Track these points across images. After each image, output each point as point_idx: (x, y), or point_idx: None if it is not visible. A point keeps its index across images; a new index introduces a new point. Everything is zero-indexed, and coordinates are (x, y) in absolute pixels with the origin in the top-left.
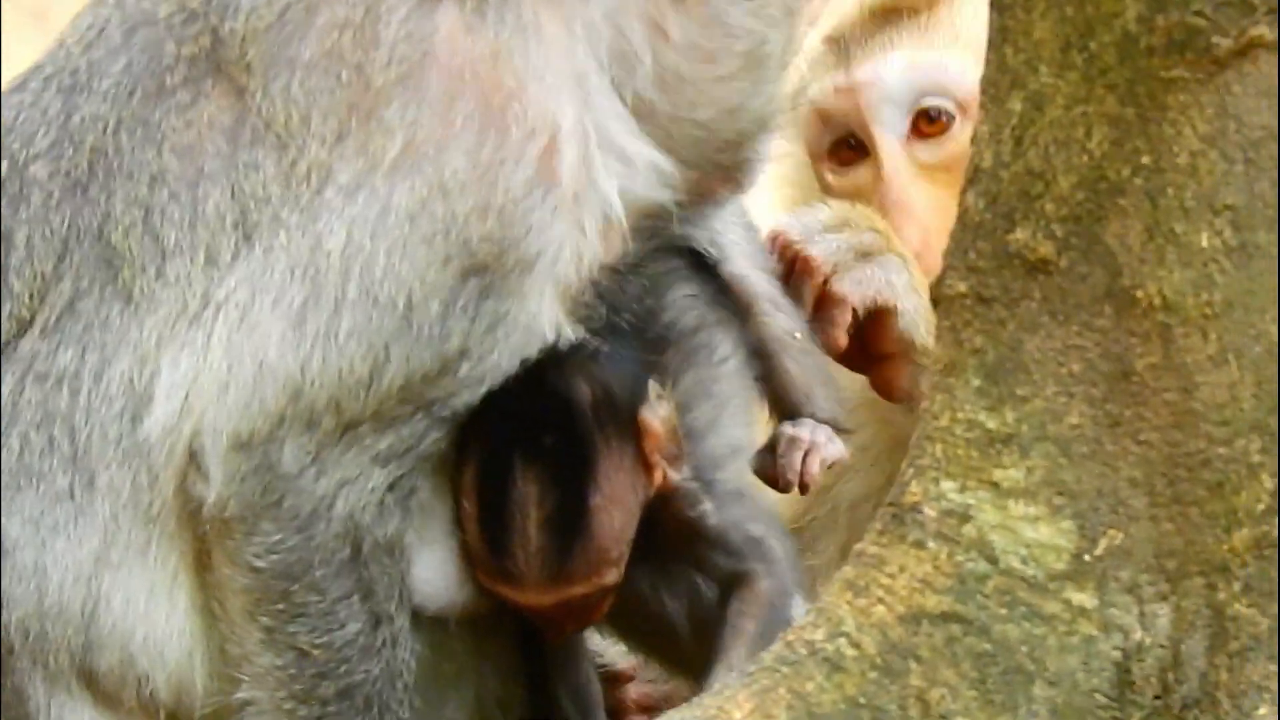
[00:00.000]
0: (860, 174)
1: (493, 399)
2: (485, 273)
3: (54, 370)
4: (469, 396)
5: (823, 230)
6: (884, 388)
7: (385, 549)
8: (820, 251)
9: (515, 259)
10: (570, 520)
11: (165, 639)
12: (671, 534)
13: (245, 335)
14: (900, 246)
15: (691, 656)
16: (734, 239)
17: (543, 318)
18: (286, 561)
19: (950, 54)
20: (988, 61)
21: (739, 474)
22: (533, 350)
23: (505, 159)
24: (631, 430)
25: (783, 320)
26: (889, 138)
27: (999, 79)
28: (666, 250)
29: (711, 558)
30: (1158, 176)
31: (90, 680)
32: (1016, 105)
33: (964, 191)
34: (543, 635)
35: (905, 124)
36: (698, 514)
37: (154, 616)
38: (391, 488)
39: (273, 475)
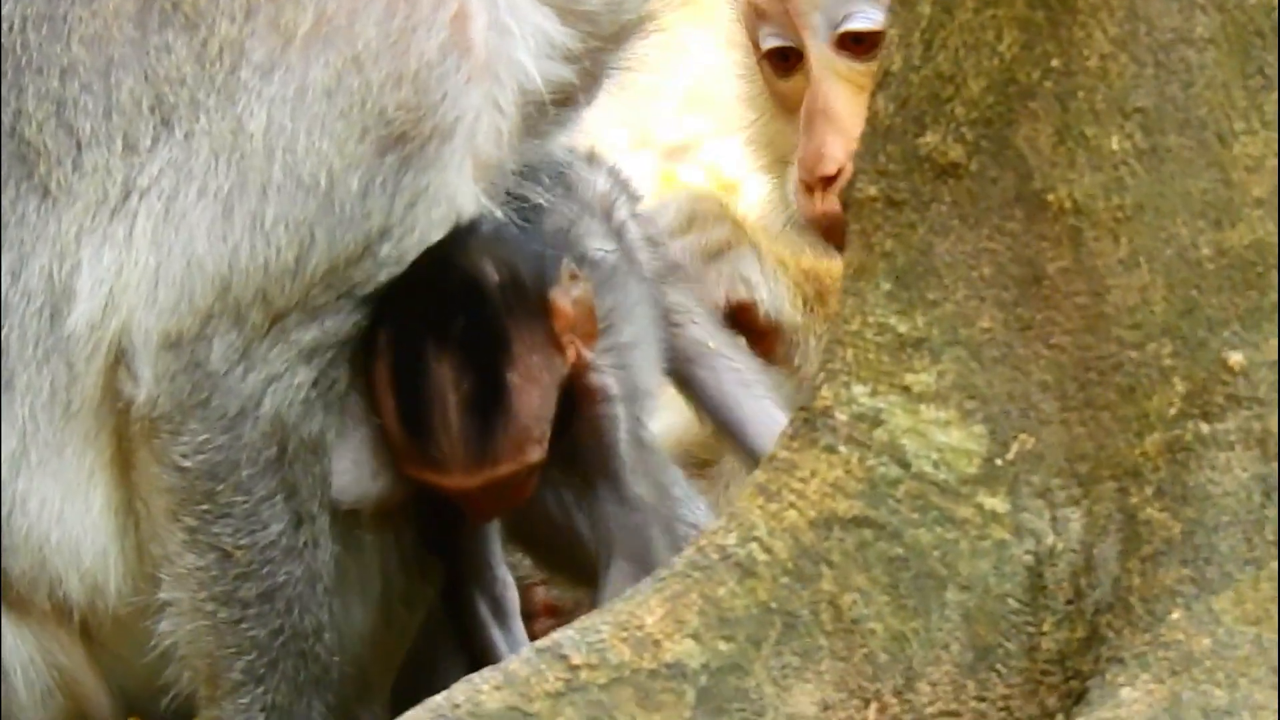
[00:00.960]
0: (795, 81)
1: (399, 285)
2: (403, 143)
3: None
4: (388, 278)
5: (670, 235)
6: (765, 360)
7: (310, 447)
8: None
9: (432, 126)
10: (489, 401)
11: (80, 539)
12: (581, 440)
13: (172, 227)
14: (751, 231)
15: (597, 567)
16: (633, 234)
17: (462, 191)
18: (213, 461)
19: None
20: None
21: (647, 416)
22: (454, 221)
23: (416, 26)
24: (542, 309)
25: (696, 331)
26: (817, 47)
27: None
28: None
29: (606, 494)
30: (1068, 80)
31: (3, 589)
32: (926, 9)
33: (874, 95)
34: (458, 527)
35: (833, 35)
36: (606, 415)
37: (69, 517)
38: (315, 384)
39: (201, 374)
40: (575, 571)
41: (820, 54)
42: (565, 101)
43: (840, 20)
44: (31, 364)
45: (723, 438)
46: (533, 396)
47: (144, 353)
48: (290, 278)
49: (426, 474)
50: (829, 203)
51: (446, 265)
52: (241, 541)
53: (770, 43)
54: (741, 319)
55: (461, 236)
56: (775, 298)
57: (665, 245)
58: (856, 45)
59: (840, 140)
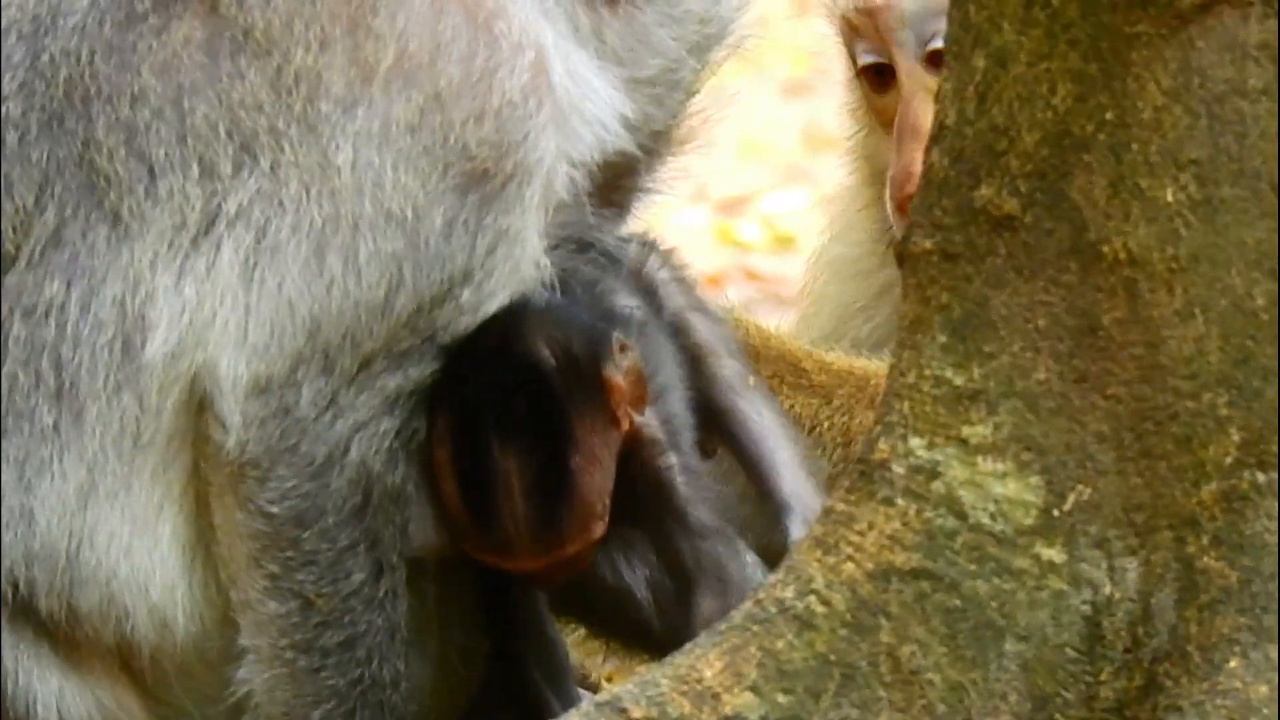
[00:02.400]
0: (891, 97)
1: (456, 368)
2: (485, 181)
3: (40, 303)
4: (467, 327)
5: None
6: None
7: (392, 497)
8: None
9: (513, 164)
10: (554, 486)
11: (149, 573)
12: (641, 492)
13: (264, 262)
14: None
15: (653, 629)
16: (664, 279)
17: (535, 242)
18: (300, 508)
19: None
20: (950, 19)
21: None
22: (527, 279)
23: (499, 66)
24: (599, 388)
25: (734, 365)
26: (908, 63)
27: (962, 36)
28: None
29: (676, 531)
30: (1122, 131)
31: (70, 632)
32: (980, 62)
33: (929, 149)
34: (508, 589)
35: (922, 50)
36: (665, 465)
37: (137, 551)
38: (398, 433)
39: (290, 420)
40: (630, 635)
41: (911, 71)
42: (625, 176)
43: (930, 37)
44: (102, 396)
45: (752, 471)
46: (595, 476)
47: (231, 396)
48: (379, 318)
49: (491, 557)
50: None
51: (503, 347)
52: (324, 589)
53: (865, 59)
54: None
55: (515, 313)
56: None
57: (694, 283)
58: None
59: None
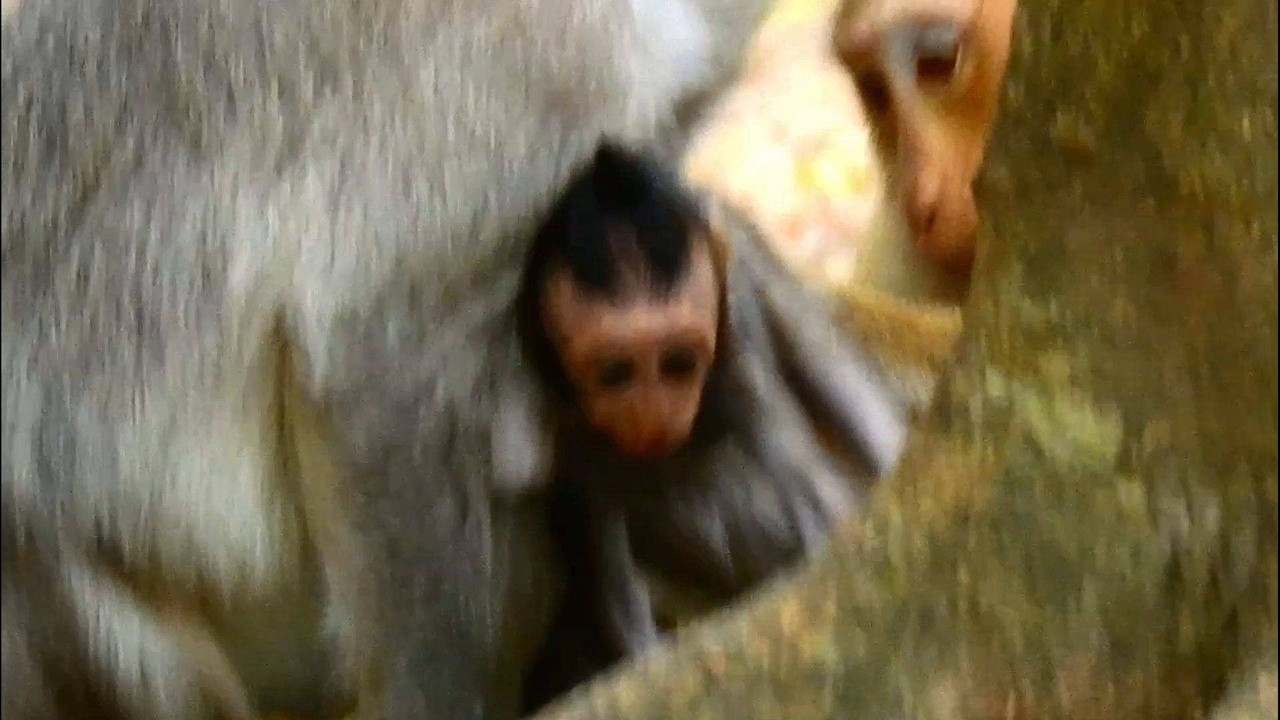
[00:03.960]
0: (891, 117)
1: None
2: (568, 103)
3: (120, 232)
4: None
5: None
6: None
7: (477, 433)
8: None
9: (596, 86)
10: (672, 253)
11: (227, 513)
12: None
13: (349, 190)
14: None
15: (730, 578)
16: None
17: None
18: (386, 443)
19: None
20: None
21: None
22: None
23: None
24: (704, 224)
25: (816, 328)
26: (901, 80)
27: None
28: None
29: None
30: (1197, 63)
31: (152, 576)
32: None
33: (1004, 81)
34: (591, 527)
35: (912, 64)
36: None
37: (217, 490)
38: (484, 371)
39: (377, 354)
40: (707, 583)
41: (904, 88)
42: (697, 105)
43: (915, 49)
44: (183, 329)
45: (843, 432)
46: (705, 271)
47: (317, 330)
48: (464, 246)
49: (606, 320)
50: (935, 235)
51: (611, 164)
52: (410, 525)
53: (862, 84)
54: None
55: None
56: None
57: (769, 245)
58: (936, 70)
59: (933, 176)
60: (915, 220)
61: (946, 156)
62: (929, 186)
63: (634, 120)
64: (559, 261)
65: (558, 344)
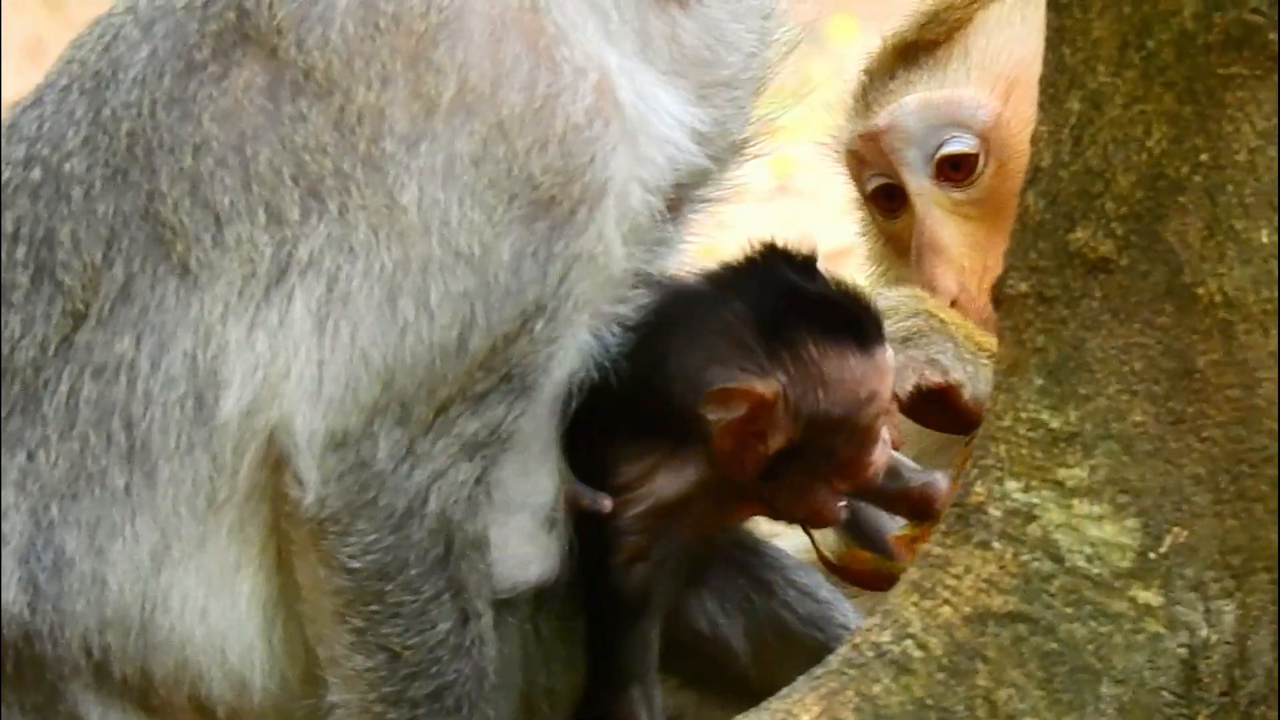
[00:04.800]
0: (903, 220)
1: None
2: (552, 209)
3: (110, 360)
4: (543, 363)
5: None
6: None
7: (474, 544)
8: None
9: (581, 189)
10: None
11: (225, 635)
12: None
13: (335, 312)
14: (952, 317)
15: (751, 679)
16: None
17: (614, 257)
18: (382, 561)
19: (965, 89)
20: (1046, 61)
21: None
22: (606, 299)
23: (561, 91)
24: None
25: None
26: (917, 181)
27: (1057, 78)
28: None
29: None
30: (1217, 173)
31: (145, 692)
32: (1075, 104)
33: (1024, 191)
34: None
35: (930, 166)
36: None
37: (213, 612)
38: (478, 480)
39: (368, 473)
40: (727, 685)
41: (920, 187)
42: (695, 189)
43: (935, 149)
44: (175, 455)
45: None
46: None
47: (308, 453)
48: (453, 361)
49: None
50: None
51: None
52: (410, 641)
53: (873, 184)
54: (945, 401)
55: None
56: (976, 380)
57: None
58: (954, 172)
59: (949, 270)
60: None
61: (964, 256)
62: (947, 284)
63: (622, 216)
64: (807, 333)
65: (831, 411)
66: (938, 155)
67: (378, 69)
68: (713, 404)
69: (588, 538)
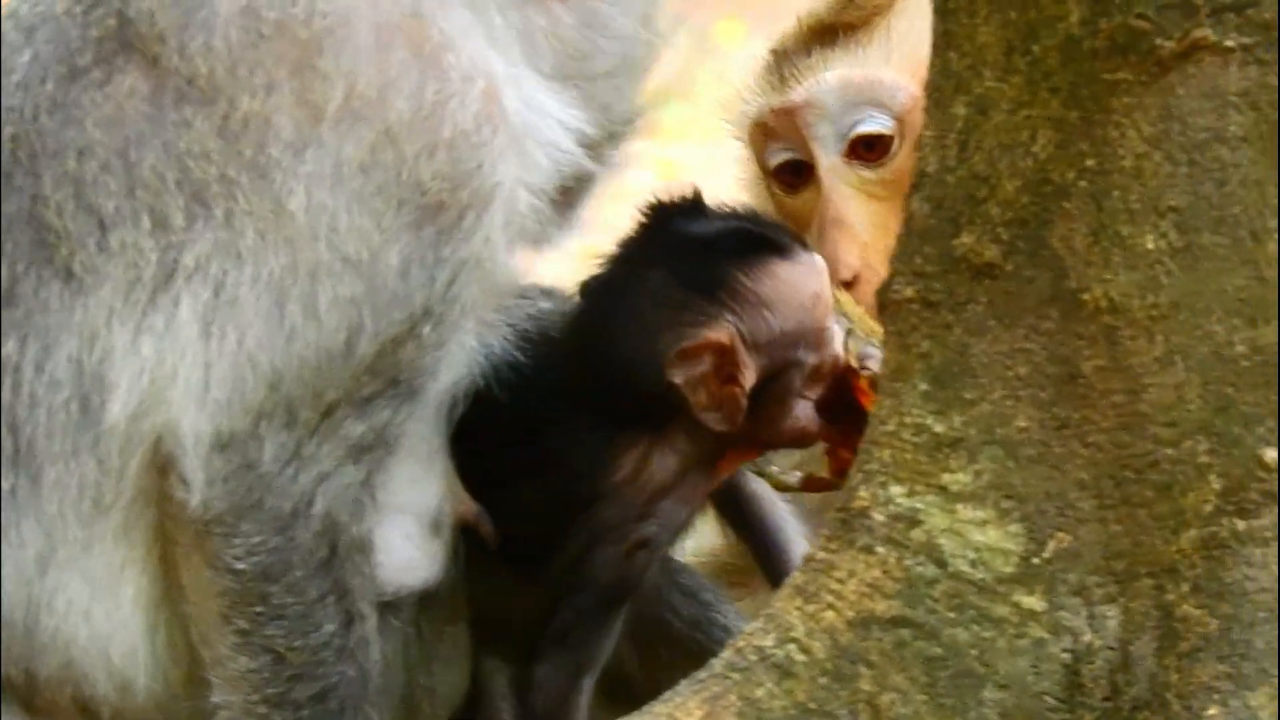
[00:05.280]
0: (806, 196)
1: None
2: (441, 214)
3: None
4: (430, 367)
5: None
6: None
7: (359, 547)
8: None
9: (469, 193)
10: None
11: (109, 636)
12: None
13: (222, 317)
14: (845, 298)
15: (636, 679)
16: None
17: (500, 263)
18: (266, 563)
19: (885, 71)
20: (931, 67)
21: None
22: (493, 304)
23: (449, 98)
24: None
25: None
26: (828, 158)
27: (943, 84)
28: None
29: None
30: (1102, 179)
31: (30, 693)
32: (961, 110)
33: (909, 197)
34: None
35: (843, 143)
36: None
37: (97, 615)
38: (364, 483)
39: (254, 475)
40: (611, 684)
41: (831, 164)
42: (580, 187)
43: (850, 127)
44: (60, 459)
45: (761, 553)
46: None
47: (194, 455)
48: (340, 365)
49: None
50: None
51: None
52: (295, 643)
53: (779, 158)
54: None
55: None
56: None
57: None
58: (868, 152)
59: (854, 247)
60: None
61: (868, 234)
62: (850, 259)
63: (509, 220)
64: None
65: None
66: (852, 134)
67: (262, 76)
68: (677, 368)
69: (522, 537)
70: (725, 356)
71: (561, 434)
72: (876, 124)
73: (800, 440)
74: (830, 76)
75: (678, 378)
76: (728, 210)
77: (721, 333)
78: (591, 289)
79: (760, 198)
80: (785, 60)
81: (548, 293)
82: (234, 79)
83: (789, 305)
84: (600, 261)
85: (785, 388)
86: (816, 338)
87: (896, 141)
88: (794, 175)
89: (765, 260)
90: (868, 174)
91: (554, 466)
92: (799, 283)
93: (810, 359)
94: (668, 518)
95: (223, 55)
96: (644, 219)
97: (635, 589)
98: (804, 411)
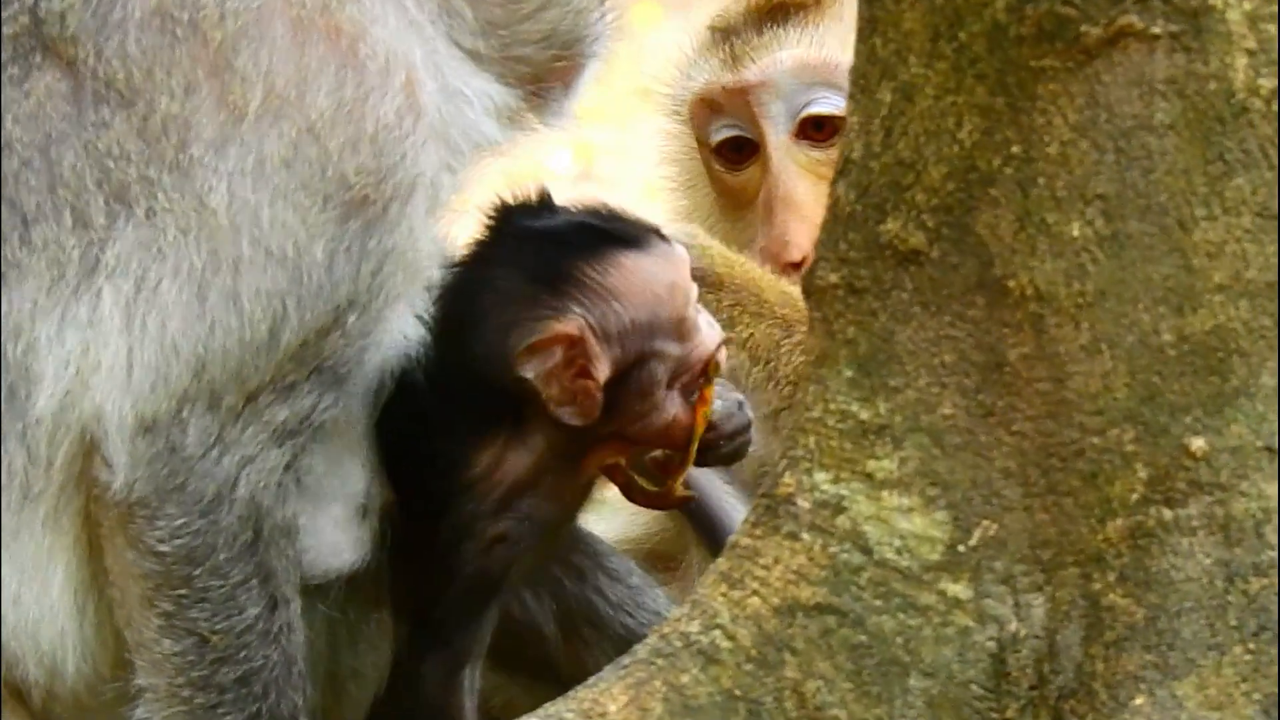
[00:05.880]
0: (749, 173)
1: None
2: (365, 207)
3: None
4: (356, 355)
5: None
6: None
7: (283, 531)
8: None
9: (393, 187)
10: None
11: (38, 621)
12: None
13: (143, 308)
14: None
15: (559, 663)
16: None
17: (423, 250)
18: (190, 546)
19: (839, 53)
20: (857, 53)
21: None
22: (416, 290)
23: (369, 93)
24: None
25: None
26: (778, 137)
27: (868, 70)
28: None
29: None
30: (1028, 166)
31: None
32: (886, 96)
33: (834, 182)
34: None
35: (793, 123)
36: None
37: (26, 600)
38: (288, 468)
39: (177, 458)
40: (535, 668)
41: (780, 143)
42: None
43: (801, 107)
44: None
45: (700, 530)
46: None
47: (118, 438)
48: (264, 354)
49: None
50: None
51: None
52: (218, 626)
53: (723, 134)
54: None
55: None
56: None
57: None
58: (817, 132)
59: (804, 227)
60: (782, 270)
61: (817, 210)
62: (800, 240)
63: (431, 207)
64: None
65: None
66: (803, 113)
67: (179, 79)
68: (527, 363)
69: (423, 526)
70: (575, 348)
71: (428, 431)
72: (829, 105)
73: (670, 434)
74: (785, 56)
75: (529, 372)
76: (577, 208)
77: (570, 325)
78: (443, 290)
79: (694, 174)
80: (733, 37)
81: None
82: (151, 82)
83: (640, 295)
84: (450, 263)
85: (648, 379)
86: (676, 327)
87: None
88: (737, 152)
89: (611, 252)
90: (816, 154)
91: (423, 463)
92: (650, 273)
93: (672, 349)
94: (529, 514)
95: (138, 59)
96: (490, 219)
97: (500, 583)
98: (672, 404)
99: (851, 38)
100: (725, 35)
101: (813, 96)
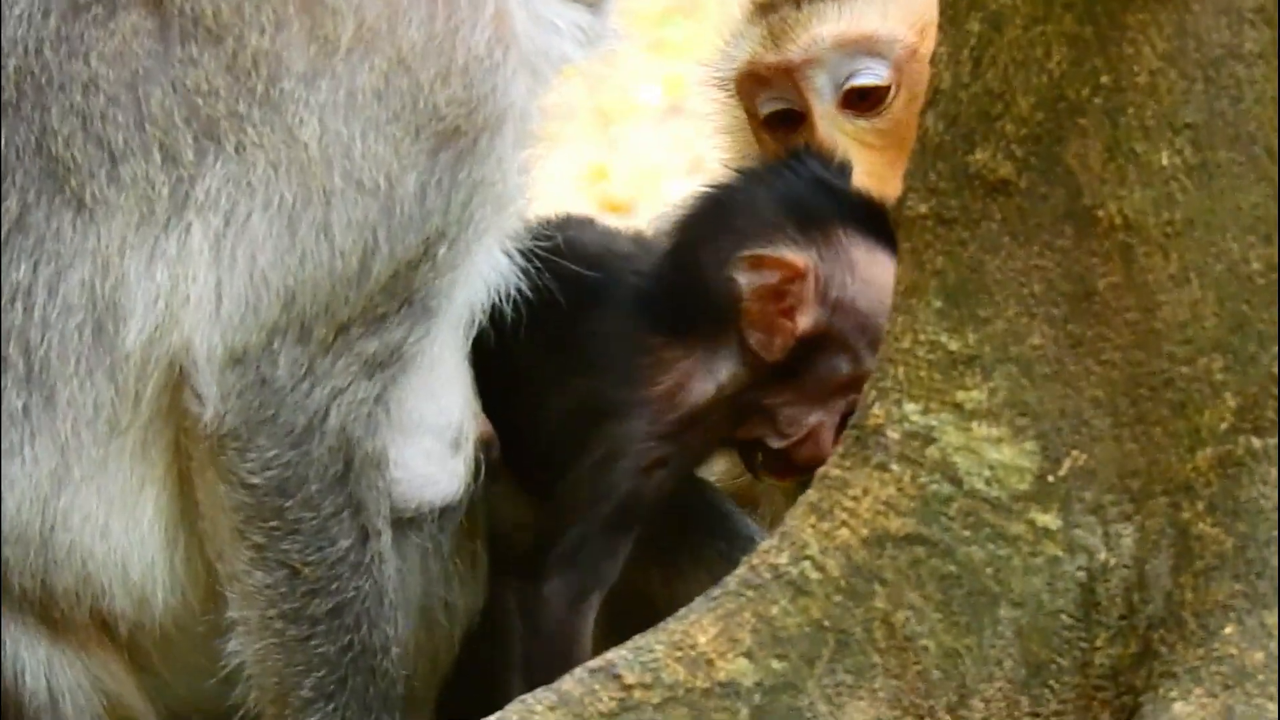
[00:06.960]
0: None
1: None
2: (456, 139)
3: (7, 287)
4: (445, 287)
5: None
6: None
7: (374, 462)
8: None
9: (484, 118)
10: None
11: (127, 553)
12: None
13: (232, 241)
14: None
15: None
16: None
17: (512, 182)
18: (281, 477)
19: (882, 23)
20: None
21: None
22: (508, 223)
23: (459, 25)
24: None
25: None
26: (823, 107)
27: (956, 1)
28: None
29: None
30: (1117, 96)
31: (47, 606)
32: (975, 26)
33: (923, 113)
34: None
35: (838, 94)
36: None
37: (115, 531)
38: (378, 399)
39: (268, 390)
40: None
41: (825, 113)
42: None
43: (845, 78)
44: (74, 379)
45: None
46: None
47: (208, 370)
48: (354, 285)
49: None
50: None
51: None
52: (310, 558)
53: (771, 106)
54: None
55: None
56: None
57: None
58: (862, 102)
59: None
60: None
61: (865, 182)
62: None
63: (519, 139)
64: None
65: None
66: (847, 85)
67: (269, 14)
68: (744, 270)
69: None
70: (793, 283)
71: (601, 343)
72: (872, 76)
73: (807, 452)
74: (825, 33)
75: (741, 278)
76: (869, 194)
77: (801, 259)
78: (703, 190)
79: (746, 144)
80: (773, 13)
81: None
82: (240, 17)
83: (874, 289)
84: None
85: (831, 368)
86: (874, 336)
87: (893, 91)
88: (784, 124)
89: (873, 238)
90: (863, 123)
91: (588, 373)
92: (889, 277)
93: (864, 356)
94: (692, 446)
95: None
96: (786, 156)
97: (647, 511)
98: (828, 415)
99: (890, 7)
100: (765, 10)
101: (856, 68)
